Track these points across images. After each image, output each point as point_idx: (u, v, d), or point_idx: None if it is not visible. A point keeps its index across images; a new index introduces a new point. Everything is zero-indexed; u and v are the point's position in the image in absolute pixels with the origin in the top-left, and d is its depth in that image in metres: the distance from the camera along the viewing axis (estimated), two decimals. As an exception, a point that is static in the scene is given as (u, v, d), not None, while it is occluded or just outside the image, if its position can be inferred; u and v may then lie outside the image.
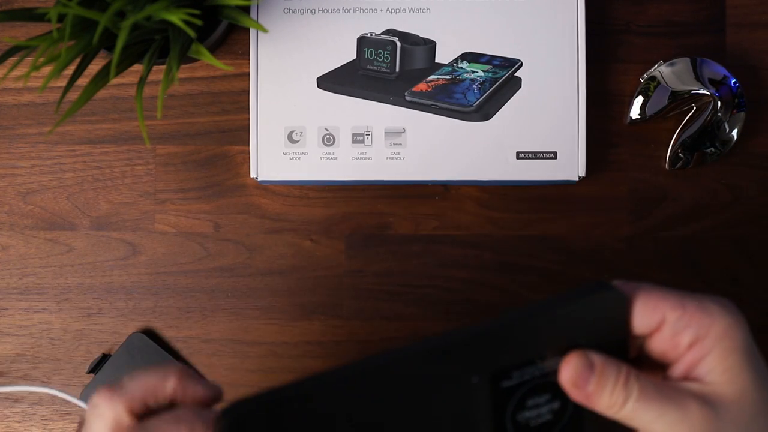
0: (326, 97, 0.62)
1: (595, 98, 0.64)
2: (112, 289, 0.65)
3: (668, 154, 0.64)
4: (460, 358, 0.37)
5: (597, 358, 0.39)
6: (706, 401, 0.39)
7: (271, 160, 0.62)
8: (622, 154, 0.65)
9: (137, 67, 0.64)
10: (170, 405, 0.41)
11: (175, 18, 0.48)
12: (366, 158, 0.61)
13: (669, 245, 0.65)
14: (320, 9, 0.62)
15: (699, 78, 0.63)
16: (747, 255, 0.65)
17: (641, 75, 0.64)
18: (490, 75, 0.61)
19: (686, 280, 0.65)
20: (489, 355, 0.38)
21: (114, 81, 0.64)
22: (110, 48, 0.57)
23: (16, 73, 0.64)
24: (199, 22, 0.51)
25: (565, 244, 0.65)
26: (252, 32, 0.62)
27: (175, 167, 0.65)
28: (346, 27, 0.62)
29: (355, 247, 0.65)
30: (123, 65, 0.55)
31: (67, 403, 0.64)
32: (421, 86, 0.62)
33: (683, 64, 0.63)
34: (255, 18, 0.62)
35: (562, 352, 0.39)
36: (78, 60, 0.53)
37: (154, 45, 0.55)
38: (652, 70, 0.64)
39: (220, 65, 0.51)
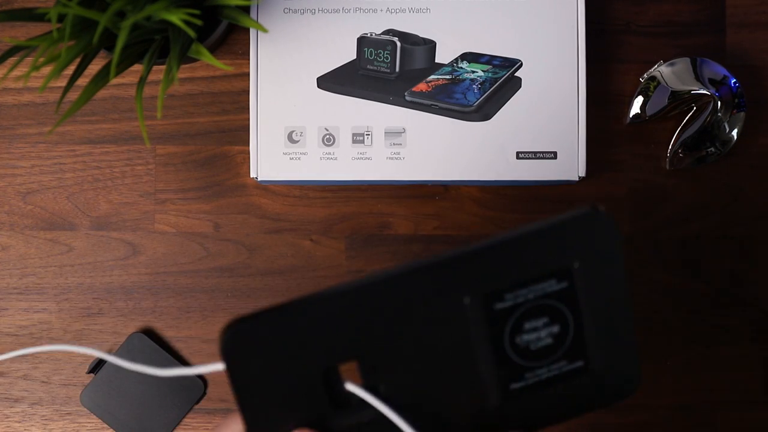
0: (326, 97, 0.62)
1: (595, 98, 0.64)
2: (112, 289, 0.65)
3: (668, 154, 0.64)
4: (449, 276, 0.37)
5: None
6: None
7: (271, 160, 0.62)
8: (622, 154, 0.65)
9: (137, 67, 0.64)
10: None
11: (175, 18, 0.48)
12: (366, 158, 0.61)
13: (669, 245, 0.65)
14: (320, 9, 0.62)
15: (699, 78, 0.63)
16: (747, 255, 0.65)
17: (641, 75, 0.64)
18: (490, 75, 0.61)
19: (686, 280, 0.65)
20: (479, 275, 0.38)
21: (114, 81, 0.64)
22: (110, 48, 0.57)
23: (16, 73, 0.64)
24: (199, 22, 0.51)
25: (565, 244, 0.65)
26: (252, 32, 0.62)
27: (175, 167, 0.65)
28: (346, 27, 0.62)
29: (355, 247, 0.65)
30: (123, 65, 0.55)
31: (68, 403, 0.64)
32: (421, 86, 0.62)
33: (683, 64, 0.63)
34: (255, 18, 0.62)
35: (556, 274, 0.39)
36: (78, 60, 0.53)
37: (154, 45, 0.55)
38: (652, 70, 0.64)
39: (220, 65, 0.51)
